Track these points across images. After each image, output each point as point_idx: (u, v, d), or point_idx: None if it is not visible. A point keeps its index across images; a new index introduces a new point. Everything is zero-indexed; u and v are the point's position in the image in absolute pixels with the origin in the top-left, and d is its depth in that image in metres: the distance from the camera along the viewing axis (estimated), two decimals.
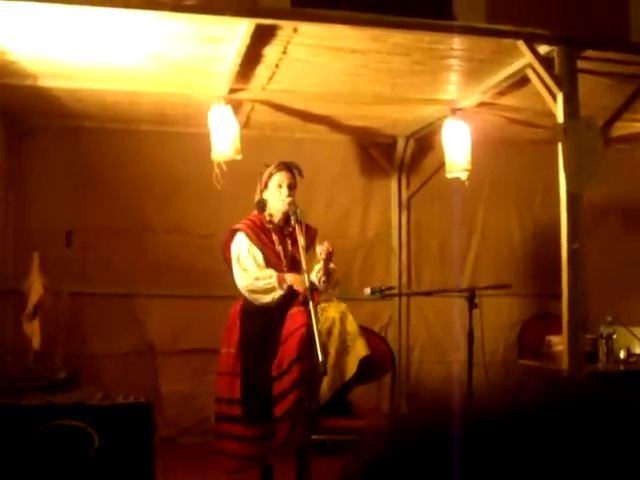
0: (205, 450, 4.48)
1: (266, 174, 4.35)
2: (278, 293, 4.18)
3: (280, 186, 4.30)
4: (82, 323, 5.81)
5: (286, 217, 4.33)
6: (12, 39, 4.15)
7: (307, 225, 4.37)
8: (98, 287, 5.93)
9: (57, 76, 4.81)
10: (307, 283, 3.96)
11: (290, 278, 4.17)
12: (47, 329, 4.87)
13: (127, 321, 6.03)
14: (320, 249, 4.15)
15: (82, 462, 3.75)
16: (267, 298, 4.21)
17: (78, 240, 5.41)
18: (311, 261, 4.15)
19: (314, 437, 4.10)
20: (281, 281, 4.17)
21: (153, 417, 4.09)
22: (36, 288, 4.78)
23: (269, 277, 4.19)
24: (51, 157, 5.93)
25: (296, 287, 4.11)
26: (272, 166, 4.36)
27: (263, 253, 4.27)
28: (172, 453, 5.41)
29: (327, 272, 4.19)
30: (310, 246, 4.32)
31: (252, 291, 4.21)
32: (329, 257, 4.15)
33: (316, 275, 4.17)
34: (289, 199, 4.26)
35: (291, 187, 4.32)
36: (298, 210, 4.21)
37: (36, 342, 4.73)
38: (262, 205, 4.38)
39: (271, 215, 4.36)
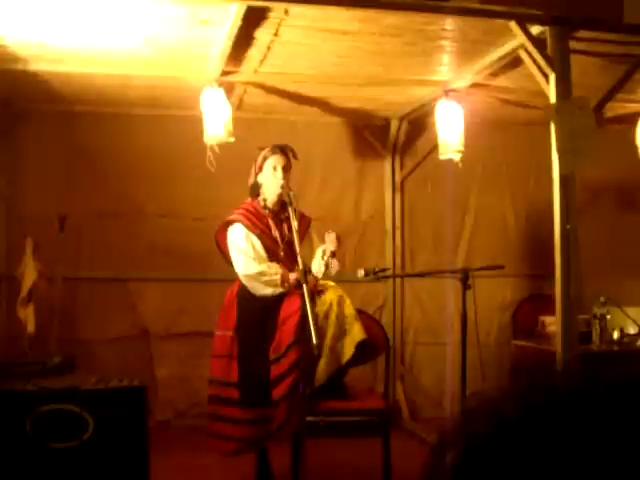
0: (201, 433, 4.50)
1: (260, 157, 4.34)
2: (278, 290, 4.18)
3: (274, 169, 4.29)
4: (76, 308, 5.81)
5: (281, 201, 4.32)
6: (2, 23, 4.12)
7: (301, 214, 4.37)
8: (92, 272, 5.93)
9: (48, 60, 4.78)
10: (300, 265, 3.98)
11: (294, 277, 4.18)
12: (41, 314, 4.87)
13: (121, 305, 6.03)
14: (330, 237, 4.19)
15: (77, 446, 3.76)
16: (267, 291, 4.21)
17: (71, 225, 5.38)
18: (304, 249, 4.18)
19: (309, 419, 4.12)
20: (284, 280, 4.17)
21: (148, 400, 4.10)
22: (30, 273, 4.77)
23: (274, 274, 4.19)
24: (43, 142, 5.90)
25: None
26: (266, 149, 4.35)
27: (260, 240, 4.26)
28: (167, 436, 5.44)
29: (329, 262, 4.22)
30: (304, 235, 4.33)
31: (253, 279, 4.21)
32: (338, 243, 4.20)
33: (320, 260, 4.20)
34: (282, 181, 4.25)
35: (285, 169, 4.31)
36: (291, 193, 4.21)
37: (30, 327, 4.72)
38: (256, 189, 4.37)
39: (265, 200, 4.36)
